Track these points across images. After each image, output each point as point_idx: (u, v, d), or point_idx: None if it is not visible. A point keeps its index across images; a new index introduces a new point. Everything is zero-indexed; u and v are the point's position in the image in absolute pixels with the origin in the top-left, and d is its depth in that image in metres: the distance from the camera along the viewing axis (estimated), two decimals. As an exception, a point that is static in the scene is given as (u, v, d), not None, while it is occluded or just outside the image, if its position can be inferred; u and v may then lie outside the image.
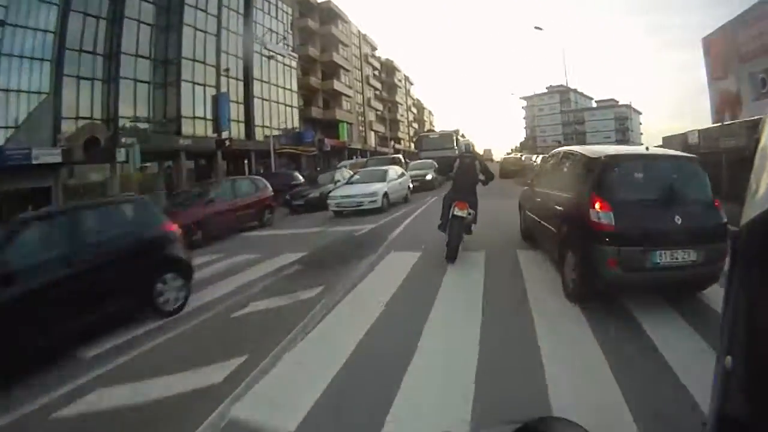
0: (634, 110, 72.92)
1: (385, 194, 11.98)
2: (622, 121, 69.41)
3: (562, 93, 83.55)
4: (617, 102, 74.17)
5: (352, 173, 15.23)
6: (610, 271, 3.85)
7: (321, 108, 38.79)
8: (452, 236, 5.94)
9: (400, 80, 63.37)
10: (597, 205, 3.99)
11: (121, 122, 20.91)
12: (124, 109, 21.60)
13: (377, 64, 53.85)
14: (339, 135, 39.96)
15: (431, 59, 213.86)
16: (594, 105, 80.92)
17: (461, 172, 6.43)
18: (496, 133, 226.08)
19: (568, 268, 4.41)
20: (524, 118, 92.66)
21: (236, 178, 13.38)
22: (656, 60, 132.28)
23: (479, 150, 59.88)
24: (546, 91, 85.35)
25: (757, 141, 0.76)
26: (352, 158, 40.26)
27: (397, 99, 60.88)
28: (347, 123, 41.20)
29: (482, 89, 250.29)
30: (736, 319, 0.69)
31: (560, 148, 6.46)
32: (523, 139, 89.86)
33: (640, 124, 74.43)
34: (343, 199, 11.90)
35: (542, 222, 5.56)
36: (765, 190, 0.67)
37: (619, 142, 69.48)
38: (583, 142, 75.32)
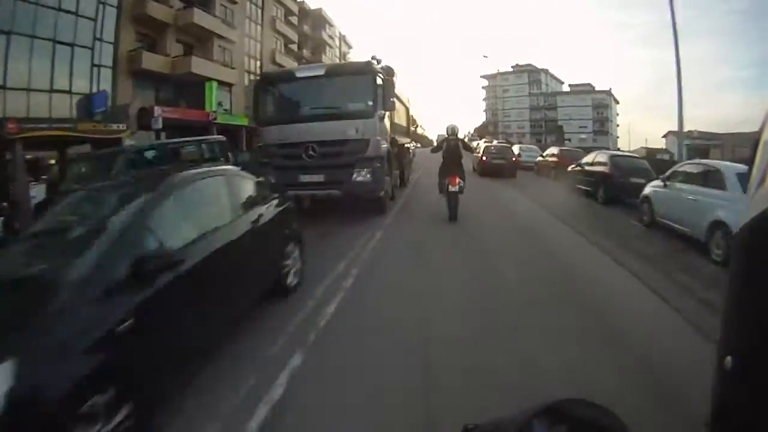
0: (614, 98, 62.18)
1: None
2: (601, 110, 58.50)
3: (532, 73, 71.58)
4: (594, 87, 63.09)
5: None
6: None
7: (173, 56, 23.18)
8: (451, 204, 7.98)
9: (332, 37, 47.86)
10: None
11: None
12: None
13: (293, 7, 38.05)
14: (206, 102, 24.59)
15: (372, 29, 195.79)
16: (567, 89, 69.52)
17: (449, 151, 8.14)
18: (447, 115, 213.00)
19: None
20: (484, 99, 79.98)
21: None
22: (623, 54, 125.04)
23: (433, 138, 48.96)
24: (511, 70, 72.79)
25: (757, 141, 0.75)
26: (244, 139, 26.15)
27: (326, 61, 45.42)
28: (221, 83, 25.70)
29: (430, 64, 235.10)
30: (736, 318, 0.68)
31: None
32: (479, 124, 76.86)
33: (617, 114, 63.98)
34: None
35: None
36: (764, 191, 0.67)
37: (597, 132, 58.78)
38: (557, 131, 64.17)
